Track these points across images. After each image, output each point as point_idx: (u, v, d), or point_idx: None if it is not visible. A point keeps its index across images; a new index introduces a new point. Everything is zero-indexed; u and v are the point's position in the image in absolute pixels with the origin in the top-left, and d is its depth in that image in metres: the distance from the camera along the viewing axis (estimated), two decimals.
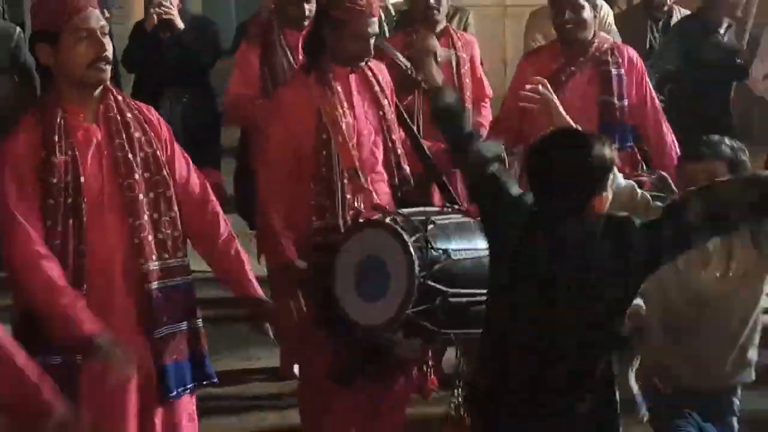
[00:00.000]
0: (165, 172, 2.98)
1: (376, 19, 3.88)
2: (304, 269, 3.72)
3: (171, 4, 5.81)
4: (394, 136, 3.89)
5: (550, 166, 2.79)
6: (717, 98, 6.04)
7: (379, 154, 3.88)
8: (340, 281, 3.65)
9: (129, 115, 2.98)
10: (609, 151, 2.75)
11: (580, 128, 3.27)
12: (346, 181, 3.70)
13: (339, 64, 3.71)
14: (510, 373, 2.77)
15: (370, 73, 3.86)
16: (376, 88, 3.87)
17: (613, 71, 4.47)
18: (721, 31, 6.10)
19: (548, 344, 2.71)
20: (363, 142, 3.80)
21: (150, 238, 2.86)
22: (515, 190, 3.01)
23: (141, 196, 2.90)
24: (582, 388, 2.72)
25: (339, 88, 3.71)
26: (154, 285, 2.88)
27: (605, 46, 4.56)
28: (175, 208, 2.98)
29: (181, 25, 5.83)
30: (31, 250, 2.59)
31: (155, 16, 5.78)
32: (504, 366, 2.79)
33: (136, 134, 2.95)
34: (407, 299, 3.40)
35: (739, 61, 5.94)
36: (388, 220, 3.57)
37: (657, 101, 4.73)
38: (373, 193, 3.79)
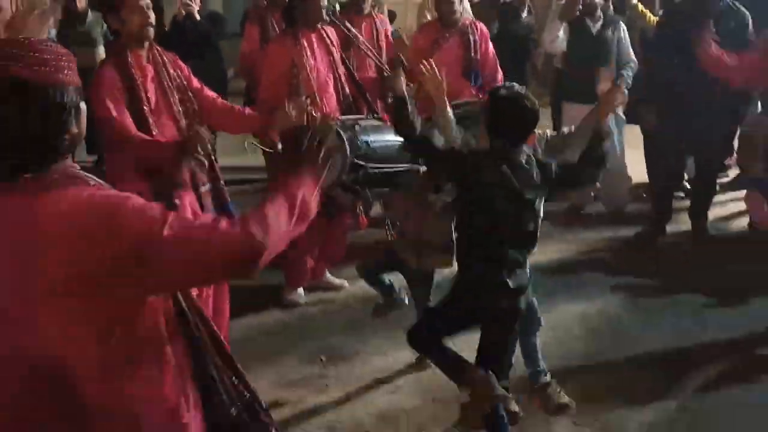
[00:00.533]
0: (190, 93, 4.06)
1: None
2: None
3: (193, 2, 7.47)
4: (339, 71, 5.21)
5: (513, 117, 3.32)
6: (522, 57, 7.79)
7: (330, 83, 5.16)
8: None
9: (166, 59, 4.02)
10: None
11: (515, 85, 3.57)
12: (307, 100, 4.75)
13: (304, 28, 5.02)
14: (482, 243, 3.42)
15: (324, 34, 5.16)
16: (328, 41, 5.16)
17: (471, 38, 5.96)
18: (524, 14, 7.83)
19: (509, 223, 3.33)
20: (320, 75, 5.06)
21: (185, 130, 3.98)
22: (458, 145, 3.66)
23: (178, 107, 3.97)
24: (529, 244, 3.44)
25: (305, 43, 5.02)
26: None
27: (467, 22, 6.05)
28: (197, 112, 4.06)
29: (197, 17, 7.49)
30: (128, 127, 3.65)
31: (182, 10, 7.40)
32: (480, 239, 3.42)
33: (171, 71, 4.01)
34: (342, 170, 4.36)
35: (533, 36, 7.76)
36: (331, 124, 4.51)
37: (493, 52, 6.12)
38: (325, 107, 5.01)
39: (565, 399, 3.84)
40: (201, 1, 7.72)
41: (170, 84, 3.98)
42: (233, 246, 1.73)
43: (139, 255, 1.64)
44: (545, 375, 3.92)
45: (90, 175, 1.80)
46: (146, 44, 3.90)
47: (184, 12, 7.46)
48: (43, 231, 1.63)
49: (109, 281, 1.64)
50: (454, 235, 3.74)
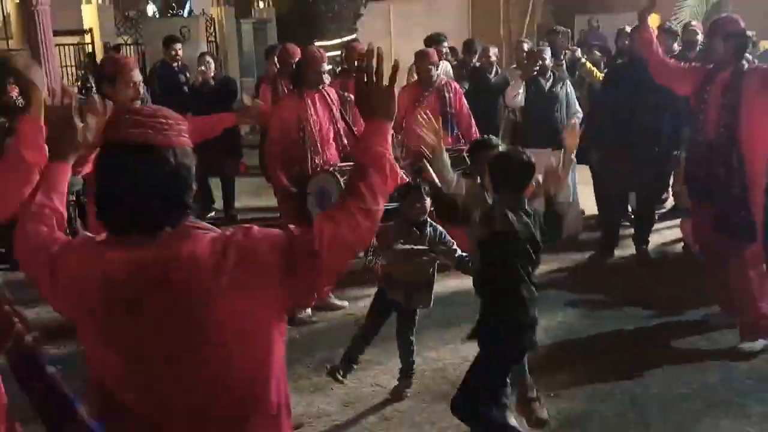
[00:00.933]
0: None
1: (326, 63, 5.55)
2: (292, 190, 5.25)
3: (208, 68, 7.95)
4: (338, 125, 5.50)
5: (518, 170, 3.35)
6: (493, 111, 7.83)
7: (331, 135, 5.43)
8: (309, 202, 5.18)
9: None
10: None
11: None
12: (311, 150, 5.25)
13: (308, 89, 5.33)
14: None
15: (326, 93, 5.45)
16: (329, 100, 5.46)
17: (447, 95, 6.30)
18: (491, 75, 8.11)
19: (532, 265, 3.40)
20: (322, 128, 5.31)
21: None
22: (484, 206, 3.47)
23: None
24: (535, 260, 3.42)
25: (309, 102, 5.28)
26: None
27: (443, 82, 6.44)
28: None
29: (211, 82, 8.04)
30: None
31: (199, 77, 7.93)
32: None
33: None
34: None
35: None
36: (330, 169, 5.15)
37: (467, 107, 6.41)
38: (325, 155, 5.33)
39: (545, 414, 3.90)
40: (221, 66, 8.18)
41: None
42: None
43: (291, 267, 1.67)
44: (533, 390, 3.94)
45: (201, 222, 1.82)
46: None
47: (200, 78, 7.99)
48: (198, 273, 1.63)
49: (276, 294, 1.70)
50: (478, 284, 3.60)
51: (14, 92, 7.28)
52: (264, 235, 1.72)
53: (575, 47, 8.52)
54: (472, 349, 3.71)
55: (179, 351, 1.67)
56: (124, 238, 1.69)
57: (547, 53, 7.10)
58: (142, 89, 4.04)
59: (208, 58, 8.45)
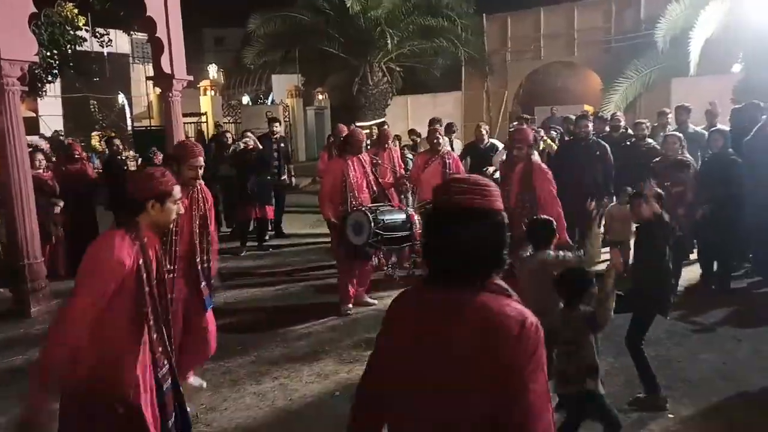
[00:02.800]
0: (206, 216, 3.55)
1: (364, 138, 5.56)
2: (338, 223, 5.20)
3: (251, 138, 8.04)
4: (369, 178, 5.48)
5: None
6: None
7: (364, 184, 5.40)
8: (348, 230, 5.07)
9: (200, 195, 3.54)
10: None
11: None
12: (350, 195, 5.24)
13: (350, 155, 5.36)
14: None
15: (362, 157, 5.48)
16: (364, 161, 5.47)
17: (447, 161, 6.11)
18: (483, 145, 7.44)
19: None
20: (358, 180, 5.33)
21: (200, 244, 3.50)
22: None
23: (196, 225, 3.49)
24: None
25: (350, 163, 5.32)
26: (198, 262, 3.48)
27: (445, 150, 6.24)
28: (208, 232, 3.55)
29: (259, 146, 8.04)
30: None
31: (242, 144, 8.03)
32: None
33: (201, 203, 3.53)
34: (369, 236, 4.85)
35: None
36: (363, 209, 5.05)
37: (462, 168, 6.20)
38: (360, 199, 5.29)
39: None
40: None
41: (197, 208, 3.56)
42: None
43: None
44: None
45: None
46: (191, 187, 3.49)
47: (244, 145, 8.08)
48: (497, 327, 1.34)
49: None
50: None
51: (159, 157, 7.47)
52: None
53: (539, 129, 8.54)
54: None
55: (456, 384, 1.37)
56: (443, 286, 1.41)
57: None
58: (201, 171, 3.48)
59: (249, 134, 8.50)
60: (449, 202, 1.41)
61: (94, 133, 20.39)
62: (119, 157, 7.85)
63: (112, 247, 2.13)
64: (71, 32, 11.95)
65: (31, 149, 6.51)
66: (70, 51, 12.42)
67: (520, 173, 4.50)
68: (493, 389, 1.32)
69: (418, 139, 9.89)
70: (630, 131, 7.28)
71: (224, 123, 17.73)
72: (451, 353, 1.35)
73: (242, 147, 8.20)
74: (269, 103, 21.33)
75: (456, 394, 1.34)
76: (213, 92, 20.19)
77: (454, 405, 1.35)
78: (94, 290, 2.09)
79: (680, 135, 5.74)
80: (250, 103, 23.00)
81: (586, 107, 14.45)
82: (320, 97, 22.24)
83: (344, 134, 6.26)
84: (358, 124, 10.44)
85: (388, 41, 14.05)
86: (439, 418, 1.36)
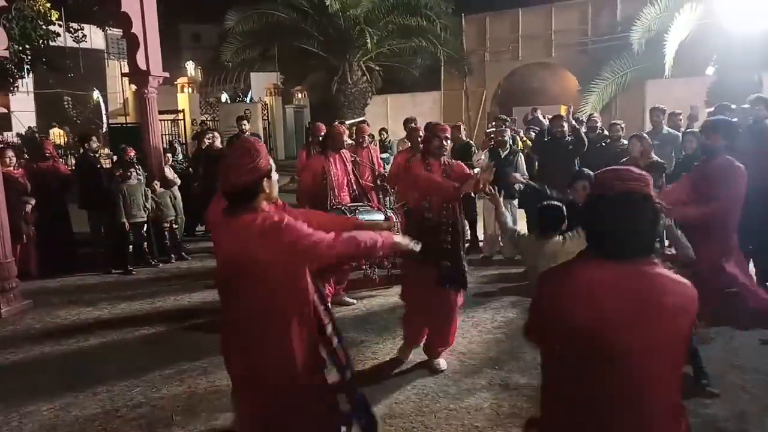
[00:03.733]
0: None
1: (346, 136, 5.55)
2: None
3: (216, 137, 8.08)
4: (350, 177, 5.42)
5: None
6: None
7: (345, 183, 5.35)
8: None
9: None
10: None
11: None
12: (331, 193, 5.18)
13: (331, 151, 5.31)
14: None
15: (343, 155, 5.42)
16: (344, 159, 5.42)
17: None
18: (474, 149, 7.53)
19: None
20: (339, 178, 5.27)
21: None
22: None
23: None
24: None
25: (331, 160, 5.27)
26: None
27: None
28: None
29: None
30: None
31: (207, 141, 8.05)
32: None
33: None
34: None
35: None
36: (341, 207, 4.69)
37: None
38: (340, 197, 5.22)
39: None
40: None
41: None
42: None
43: None
44: None
45: None
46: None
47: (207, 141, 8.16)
48: (685, 292, 1.57)
49: None
50: None
51: (131, 153, 7.35)
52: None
53: (519, 129, 8.86)
54: None
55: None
56: (614, 262, 1.58)
57: (507, 133, 7.04)
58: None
59: (215, 133, 8.61)
60: (624, 187, 1.59)
61: (52, 130, 19.77)
62: (92, 155, 7.61)
63: (290, 223, 2.17)
64: (44, 27, 11.72)
65: (1, 146, 6.37)
66: (42, 46, 12.18)
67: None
68: (680, 348, 1.59)
69: (389, 138, 10.09)
70: (606, 132, 7.35)
71: (201, 121, 17.47)
72: (661, 317, 1.53)
73: (207, 144, 8.25)
74: (248, 101, 21.08)
75: (657, 353, 1.53)
76: (190, 89, 19.88)
77: (656, 363, 1.54)
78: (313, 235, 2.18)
79: (644, 135, 5.83)
80: (229, 101, 22.72)
81: (562, 108, 14.56)
82: (299, 95, 22.09)
83: (323, 132, 6.22)
84: (337, 122, 10.40)
85: (368, 40, 14.02)
86: (638, 377, 1.54)
